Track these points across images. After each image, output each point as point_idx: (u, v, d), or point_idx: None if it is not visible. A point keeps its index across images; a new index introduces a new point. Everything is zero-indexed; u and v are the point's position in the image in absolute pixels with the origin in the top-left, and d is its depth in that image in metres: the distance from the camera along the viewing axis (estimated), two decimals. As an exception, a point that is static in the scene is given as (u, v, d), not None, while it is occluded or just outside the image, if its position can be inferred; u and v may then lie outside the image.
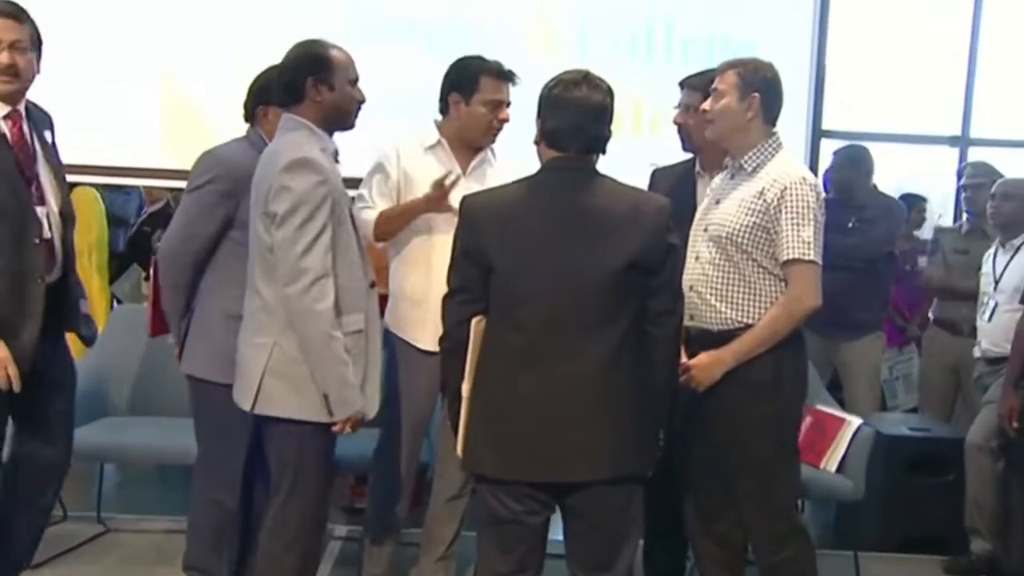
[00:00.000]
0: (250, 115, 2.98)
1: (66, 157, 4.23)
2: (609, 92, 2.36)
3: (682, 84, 3.19)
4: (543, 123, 2.37)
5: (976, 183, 4.31)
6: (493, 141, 3.10)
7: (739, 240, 2.67)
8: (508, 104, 3.04)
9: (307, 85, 2.55)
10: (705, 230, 2.76)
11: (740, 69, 2.72)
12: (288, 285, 2.46)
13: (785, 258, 2.64)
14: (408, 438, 3.13)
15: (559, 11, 4.09)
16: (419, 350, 3.06)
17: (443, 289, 2.39)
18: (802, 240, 2.62)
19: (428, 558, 3.22)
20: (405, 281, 3.11)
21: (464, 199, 2.40)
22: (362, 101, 2.66)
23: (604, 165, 4.00)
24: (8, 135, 2.71)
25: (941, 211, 5.32)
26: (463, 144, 3.08)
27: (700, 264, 2.75)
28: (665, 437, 2.46)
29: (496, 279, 2.29)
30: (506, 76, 3.02)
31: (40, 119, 2.87)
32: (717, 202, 2.78)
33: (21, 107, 2.77)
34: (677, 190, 3.01)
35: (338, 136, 2.67)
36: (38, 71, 2.78)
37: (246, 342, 2.62)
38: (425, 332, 3.00)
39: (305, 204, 2.45)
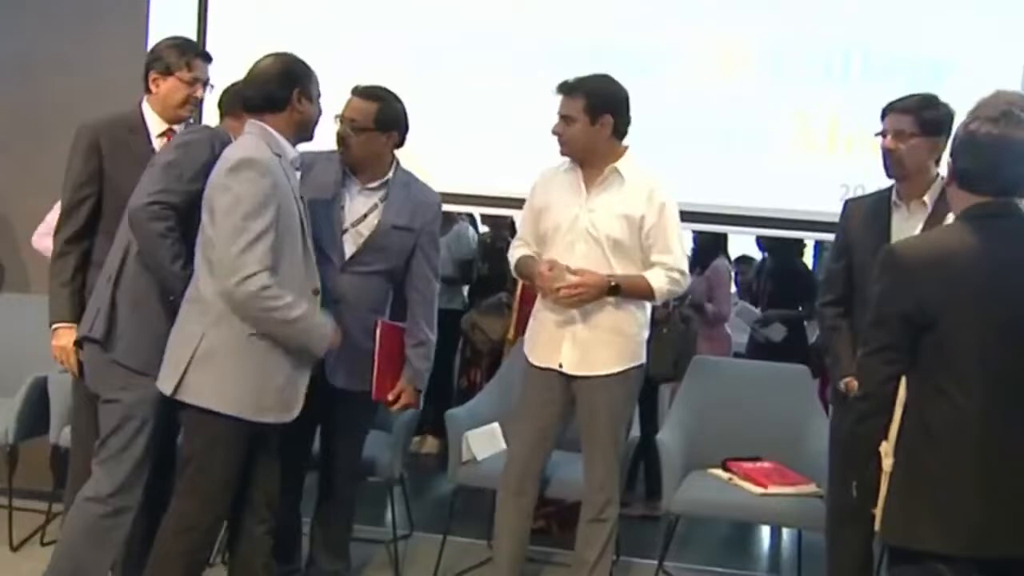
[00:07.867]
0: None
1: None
2: None
3: (887, 109, 3.01)
4: (954, 162, 2.18)
5: None
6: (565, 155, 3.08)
7: None
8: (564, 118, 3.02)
9: (293, 96, 2.62)
10: None
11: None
12: (226, 279, 2.49)
13: None
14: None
15: (749, 33, 3.88)
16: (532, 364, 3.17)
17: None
18: None
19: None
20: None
21: (895, 250, 2.18)
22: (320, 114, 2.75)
23: (798, 183, 3.81)
24: None
25: None
26: (588, 162, 3.09)
27: None
28: None
29: (935, 337, 2.08)
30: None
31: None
32: None
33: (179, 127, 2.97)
34: (871, 221, 2.98)
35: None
36: None
37: (177, 327, 2.64)
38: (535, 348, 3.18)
39: (245, 202, 2.48)
